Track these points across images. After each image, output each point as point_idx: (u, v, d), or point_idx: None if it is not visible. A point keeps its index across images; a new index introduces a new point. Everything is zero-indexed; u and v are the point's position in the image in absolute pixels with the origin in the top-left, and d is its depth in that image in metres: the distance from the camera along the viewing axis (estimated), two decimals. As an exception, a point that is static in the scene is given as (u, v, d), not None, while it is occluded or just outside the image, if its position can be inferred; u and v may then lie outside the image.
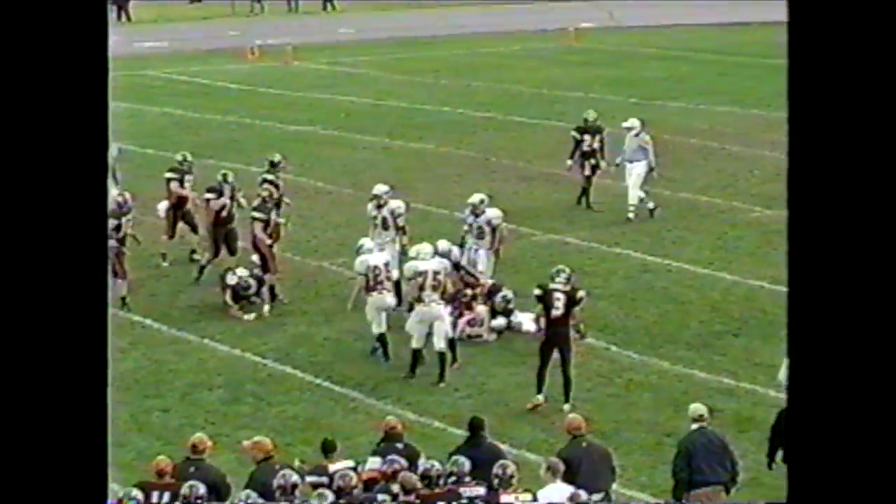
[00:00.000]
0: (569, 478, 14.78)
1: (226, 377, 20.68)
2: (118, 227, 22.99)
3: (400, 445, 15.39)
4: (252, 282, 23.03)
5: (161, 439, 18.20)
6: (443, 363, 20.30)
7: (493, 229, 23.00)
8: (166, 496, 14.43)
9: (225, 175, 24.59)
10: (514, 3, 57.52)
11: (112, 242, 22.50)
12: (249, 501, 14.22)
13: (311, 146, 33.11)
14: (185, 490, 14.18)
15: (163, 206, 25.40)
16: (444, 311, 20.63)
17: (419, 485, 14.42)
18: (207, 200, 24.37)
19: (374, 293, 21.14)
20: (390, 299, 21.34)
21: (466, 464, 14.59)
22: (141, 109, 37.93)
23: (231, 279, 23.05)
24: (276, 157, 25.50)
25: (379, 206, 23.11)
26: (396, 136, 34.51)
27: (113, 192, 25.34)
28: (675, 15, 52.40)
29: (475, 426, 15.68)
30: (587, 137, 27.83)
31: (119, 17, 55.02)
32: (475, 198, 23.34)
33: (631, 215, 27.14)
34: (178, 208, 25.23)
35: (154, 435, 18.51)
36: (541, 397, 19.14)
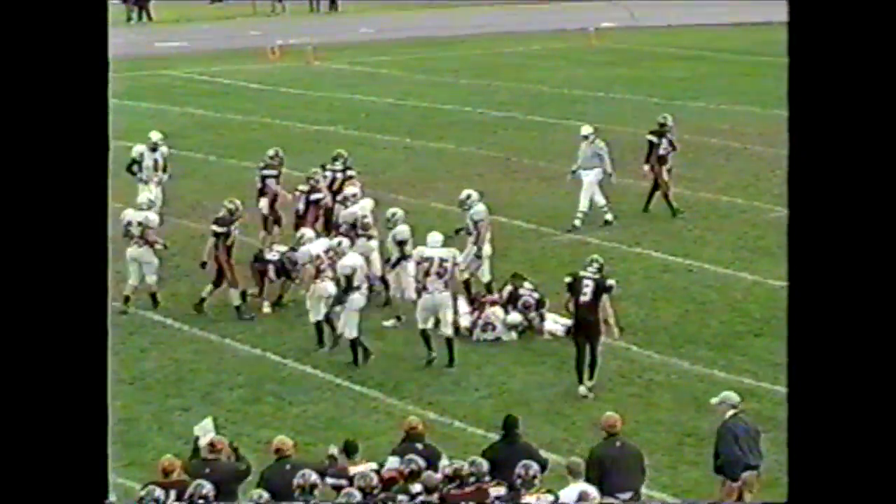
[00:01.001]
0: (601, 476, 14.85)
1: (246, 377, 20.68)
2: (227, 235, 22.93)
3: (420, 446, 15.39)
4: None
5: (182, 438, 18.17)
6: (451, 348, 20.50)
7: (476, 224, 23.05)
8: (172, 494, 14.45)
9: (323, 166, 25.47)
10: (534, 3, 57.43)
11: (220, 250, 22.73)
12: (261, 501, 14.23)
13: (332, 146, 33.03)
14: (190, 489, 14.18)
15: (264, 202, 25.45)
16: (449, 298, 20.81)
17: (440, 484, 14.47)
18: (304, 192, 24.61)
19: (317, 282, 21.51)
20: (331, 288, 21.47)
21: (485, 464, 14.60)
22: (163, 109, 37.96)
23: (272, 255, 23.33)
24: (272, 152, 25.79)
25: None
26: (417, 135, 34.48)
27: (150, 193, 25.34)
28: (696, 15, 52.30)
29: (509, 425, 15.66)
30: (663, 140, 27.71)
31: (140, 17, 55.06)
32: (462, 194, 23.45)
33: (577, 222, 26.74)
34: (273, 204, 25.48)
35: (175, 434, 18.50)
36: (583, 389, 19.26)
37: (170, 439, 18.16)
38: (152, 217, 23.75)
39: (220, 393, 20.15)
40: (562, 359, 20.42)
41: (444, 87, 41.26)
